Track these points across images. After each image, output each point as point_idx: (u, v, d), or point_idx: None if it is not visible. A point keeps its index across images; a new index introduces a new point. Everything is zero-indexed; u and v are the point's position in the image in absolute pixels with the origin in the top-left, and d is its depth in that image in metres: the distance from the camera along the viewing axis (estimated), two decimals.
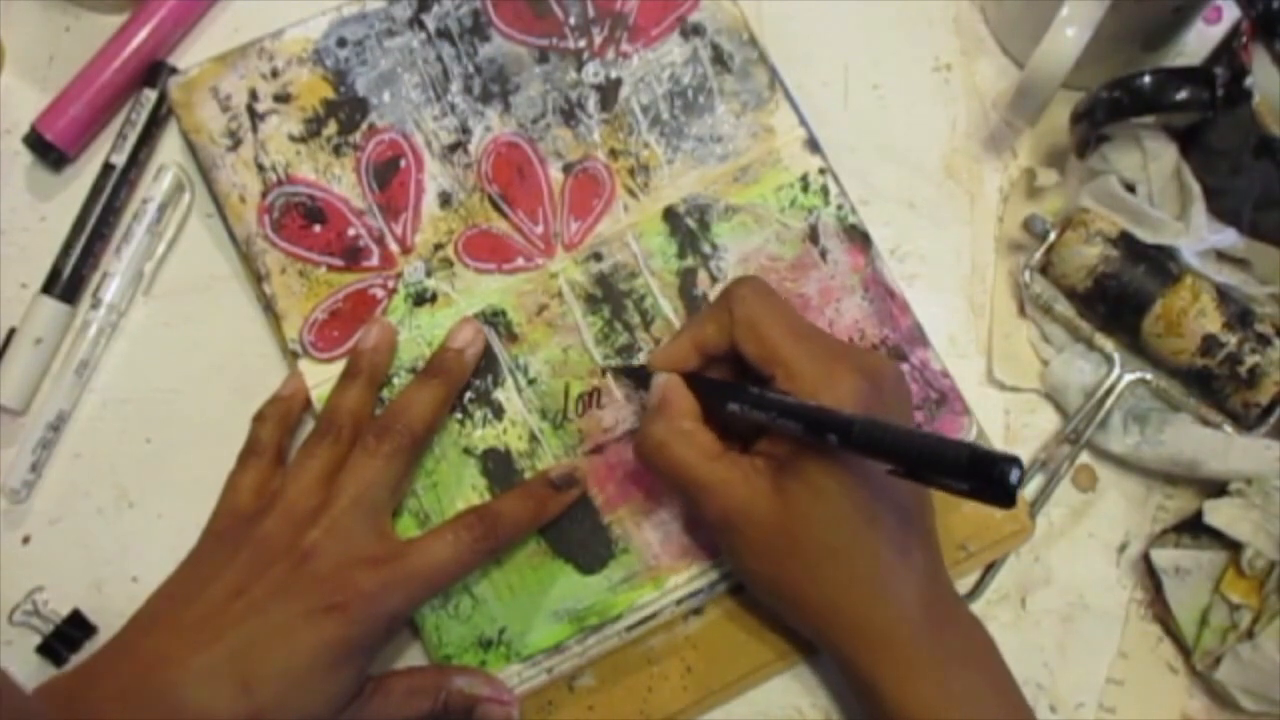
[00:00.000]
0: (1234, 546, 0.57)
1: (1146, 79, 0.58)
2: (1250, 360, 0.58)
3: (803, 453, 0.50)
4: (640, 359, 0.58)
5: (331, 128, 0.60)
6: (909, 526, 0.51)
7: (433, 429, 0.56)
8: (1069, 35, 0.57)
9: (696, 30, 0.63)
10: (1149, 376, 0.60)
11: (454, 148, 0.61)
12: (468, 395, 0.57)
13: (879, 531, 0.50)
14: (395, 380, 0.57)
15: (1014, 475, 0.41)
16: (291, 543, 0.51)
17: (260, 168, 0.60)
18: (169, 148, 0.63)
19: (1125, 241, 0.60)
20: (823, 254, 0.60)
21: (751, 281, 0.54)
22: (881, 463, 0.45)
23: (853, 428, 0.46)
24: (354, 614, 0.49)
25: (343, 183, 0.60)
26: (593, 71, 0.62)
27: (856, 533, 0.49)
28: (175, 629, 0.49)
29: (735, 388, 0.52)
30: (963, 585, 0.59)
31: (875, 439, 0.46)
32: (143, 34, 0.62)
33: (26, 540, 0.58)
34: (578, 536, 0.56)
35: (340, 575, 0.50)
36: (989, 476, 0.42)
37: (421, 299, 0.59)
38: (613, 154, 0.61)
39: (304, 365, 0.58)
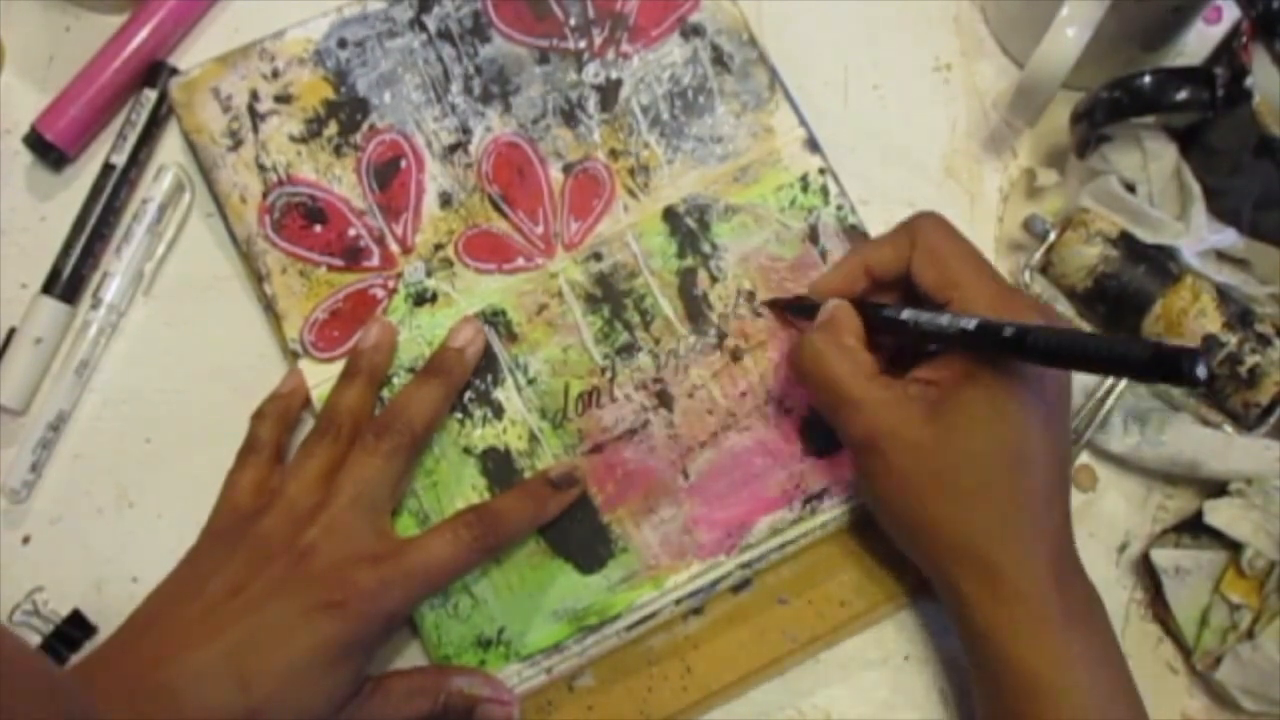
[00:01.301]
0: (1234, 546, 0.57)
1: (1146, 79, 0.58)
2: (1250, 360, 0.58)
3: (964, 382, 0.50)
4: (640, 359, 0.58)
5: (332, 128, 0.60)
6: (1055, 477, 0.50)
7: (432, 428, 0.56)
8: (1069, 35, 0.57)
9: (697, 31, 0.63)
10: None
11: (454, 148, 0.61)
12: (467, 395, 0.57)
13: (1031, 476, 0.49)
14: (395, 380, 0.57)
15: (1201, 371, 0.41)
16: (290, 541, 0.51)
17: (261, 168, 0.60)
18: (169, 148, 0.63)
19: (1125, 242, 0.60)
20: (823, 254, 0.60)
21: (935, 215, 0.55)
22: (1061, 367, 0.46)
23: (1027, 337, 0.46)
24: (352, 611, 0.49)
25: (343, 183, 0.60)
26: (593, 72, 0.62)
27: (1008, 473, 0.49)
28: (174, 627, 0.49)
29: (902, 309, 0.52)
30: None
31: (1055, 345, 0.46)
32: (143, 34, 0.62)
33: (26, 540, 0.58)
34: (577, 536, 0.56)
35: (339, 573, 0.50)
36: (1176, 367, 0.42)
37: (422, 299, 0.59)
38: (613, 154, 0.61)
39: (304, 365, 0.58)
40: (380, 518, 0.53)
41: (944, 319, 0.50)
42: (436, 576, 0.52)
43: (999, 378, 0.49)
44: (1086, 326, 0.61)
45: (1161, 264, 0.60)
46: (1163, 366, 0.42)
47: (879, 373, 0.52)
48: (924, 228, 0.54)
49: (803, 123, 0.62)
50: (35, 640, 0.56)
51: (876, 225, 0.61)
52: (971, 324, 0.49)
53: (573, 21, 0.62)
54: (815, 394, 0.54)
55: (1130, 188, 0.61)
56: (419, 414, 0.55)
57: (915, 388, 0.51)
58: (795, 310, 0.58)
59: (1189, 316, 0.58)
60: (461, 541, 0.52)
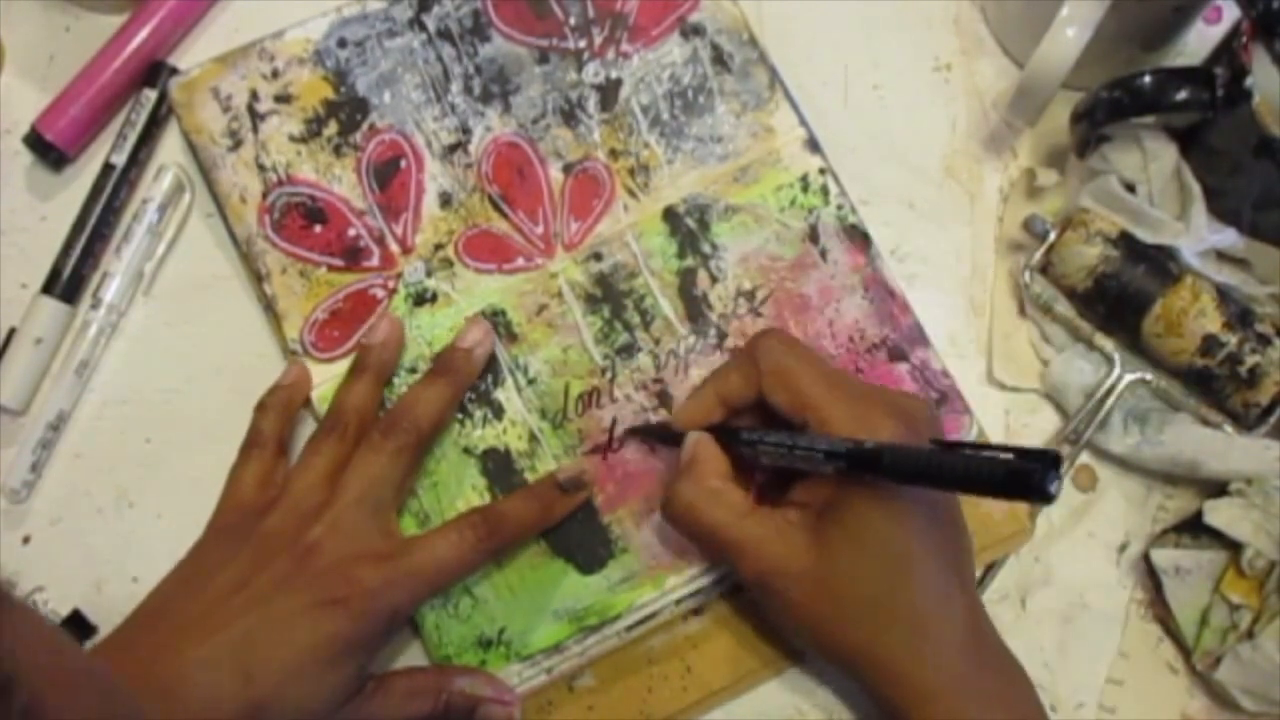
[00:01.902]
0: (1234, 546, 0.57)
1: (1147, 79, 0.58)
2: (1250, 360, 0.58)
3: (838, 501, 0.50)
4: (640, 359, 0.58)
5: (332, 128, 0.60)
6: (949, 569, 0.50)
7: (439, 427, 0.56)
8: (1069, 35, 0.57)
9: (697, 30, 0.63)
10: (1149, 377, 0.60)
11: (454, 148, 0.61)
12: (468, 395, 0.57)
13: (920, 579, 0.49)
14: (395, 380, 0.57)
15: (1052, 485, 0.42)
16: (295, 538, 0.51)
17: (261, 168, 0.60)
18: (169, 148, 0.63)
19: (1125, 241, 0.60)
20: (823, 254, 0.60)
21: (776, 333, 0.54)
22: (918, 486, 0.46)
23: (883, 456, 0.46)
24: (355, 609, 0.49)
25: (343, 183, 0.60)
26: (593, 72, 0.62)
27: (897, 581, 0.49)
28: (178, 621, 0.49)
29: (762, 433, 0.52)
30: None
31: (907, 463, 0.46)
32: (143, 34, 0.62)
33: (27, 540, 0.58)
34: (577, 536, 0.56)
35: (343, 570, 0.50)
36: (1028, 486, 0.42)
37: (422, 299, 0.59)
38: (613, 154, 0.61)
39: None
40: (385, 516, 0.53)
41: (803, 444, 0.49)
42: (440, 576, 0.52)
43: (870, 490, 0.49)
44: (1086, 327, 0.61)
45: (1161, 264, 0.60)
46: (1016, 484, 0.42)
47: (753, 508, 0.52)
48: (765, 349, 0.53)
49: (803, 122, 0.62)
50: None
51: (876, 225, 0.61)
52: (828, 452, 0.48)
53: (573, 21, 0.62)
54: (696, 542, 0.54)
55: (1130, 188, 0.61)
56: (425, 413, 0.55)
57: (793, 513, 0.51)
58: (660, 438, 0.57)
59: (1189, 316, 0.58)
60: (466, 542, 0.52)
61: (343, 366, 0.57)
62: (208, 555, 0.53)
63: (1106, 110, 0.59)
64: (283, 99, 0.60)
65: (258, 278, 0.59)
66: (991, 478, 0.43)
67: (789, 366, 0.52)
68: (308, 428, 0.58)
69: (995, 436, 0.60)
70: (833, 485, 0.50)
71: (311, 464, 0.53)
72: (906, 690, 0.49)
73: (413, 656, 0.56)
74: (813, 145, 0.61)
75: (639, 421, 0.57)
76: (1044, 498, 0.42)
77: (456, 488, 0.56)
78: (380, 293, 0.59)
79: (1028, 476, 0.42)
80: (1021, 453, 0.43)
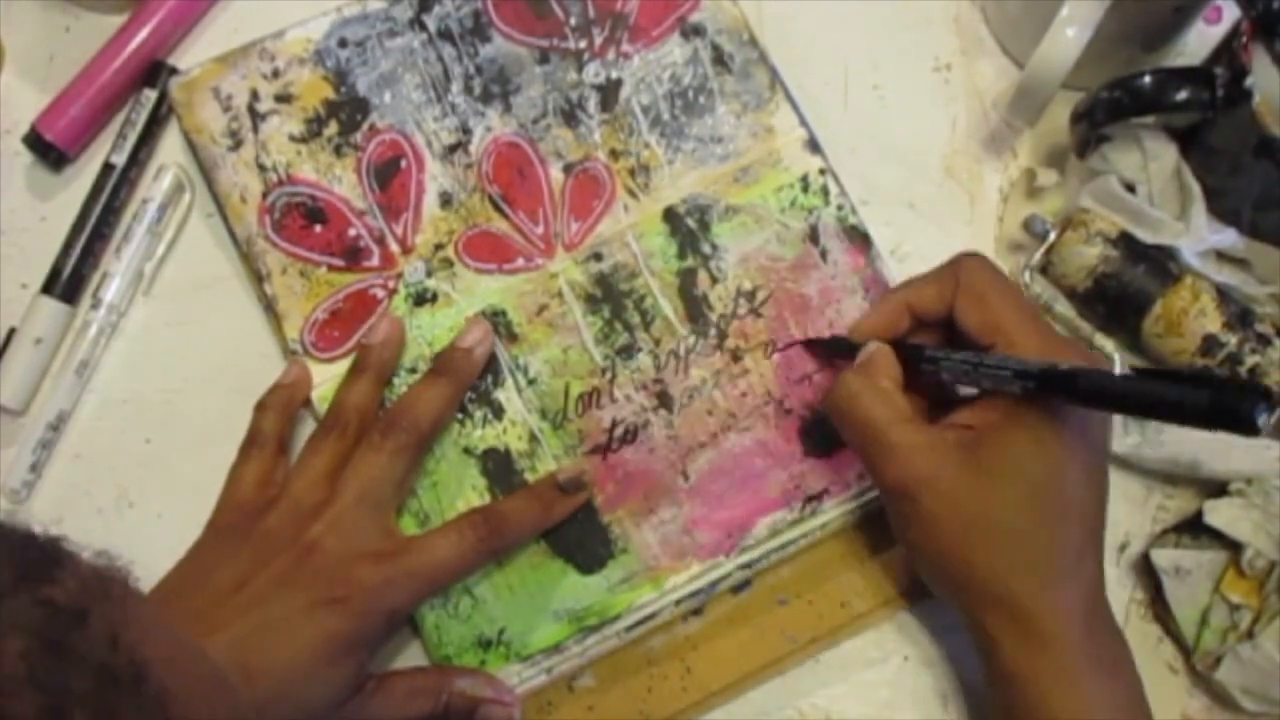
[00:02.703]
0: (1234, 547, 0.57)
1: (1147, 79, 0.58)
2: (1250, 360, 0.58)
3: (1003, 427, 0.49)
4: (640, 359, 0.58)
5: (332, 128, 0.60)
6: (1090, 526, 0.50)
7: (439, 427, 0.56)
8: (1069, 35, 0.57)
9: (697, 31, 0.63)
10: None
11: (454, 148, 0.61)
12: (468, 395, 0.57)
13: (1067, 526, 0.49)
14: (395, 380, 0.57)
15: (1261, 417, 0.40)
16: (294, 537, 0.51)
17: (261, 168, 0.60)
18: (169, 148, 0.63)
19: (1125, 242, 0.60)
20: (823, 254, 0.60)
21: (980, 256, 0.54)
22: (1112, 411, 0.46)
23: (1077, 380, 0.46)
24: (355, 608, 0.49)
25: (343, 183, 0.60)
26: (593, 72, 0.62)
27: (1044, 521, 0.49)
28: (178, 619, 0.49)
29: (945, 351, 0.52)
30: None
31: (1105, 388, 0.45)
32: (143, 34, 0.62)
33: None
34: (577, 536, 0.56)
35: (342, 569, 0.50)
36: (1235, 416, 0.41)
37: (422, 299, 0.59)
38: (613, 154, 0.61)
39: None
40: (385, 515, 0.53)
41: (990, 362, 0.49)
42: (440, 575, 0.52)
43: (1039, 423, 0.49)
44: (1086, 327, 0.61)
45: (1161, 264, 0.60)
46: (1222, 413, 0.41)
47: (915, 417, 0.52)
48: (968, 268, 0.53)
49: (803, 123, 0.62)
50: None
51: (876, 225, 0.61)
52: (1018, 371, 0.48)
53: (573, 21, 0.62)
54: (849, 435, 0.53)
55: (1130, 188, 0.61)
56: (425, 413, 0.55)
57: (952, 433, 0.51)
58: (834, 349, 0.57)
59: (1189, 316, 0.58)
60: (466, 541, 0.52)
61: (343, 366, 0.57)
62: (207, 554, 0.53)
63: (1106, 110, 0.59)
64: (283, 99, 0.60)
65: (258, 278, 0.59)
66: (1196, 406, 0.42)
67: (989, 288, 0.52)
68: (307, 427, 0.58)
69: None
70: (998, 413, 0.50)
71: (311, 463, 0.54)
72: (1024, 630, 0.49)
73: (413, 656, 0.56)
74: (813, 145, 0.61)
75: (638, 423, 0.57)
76: (1250, 429, 0.40)
77: (456, 488, 0.56)
78: (380, 293, 0.59)
79: (1235, 406, 0.41)
80: (1224, 383, 0.42)
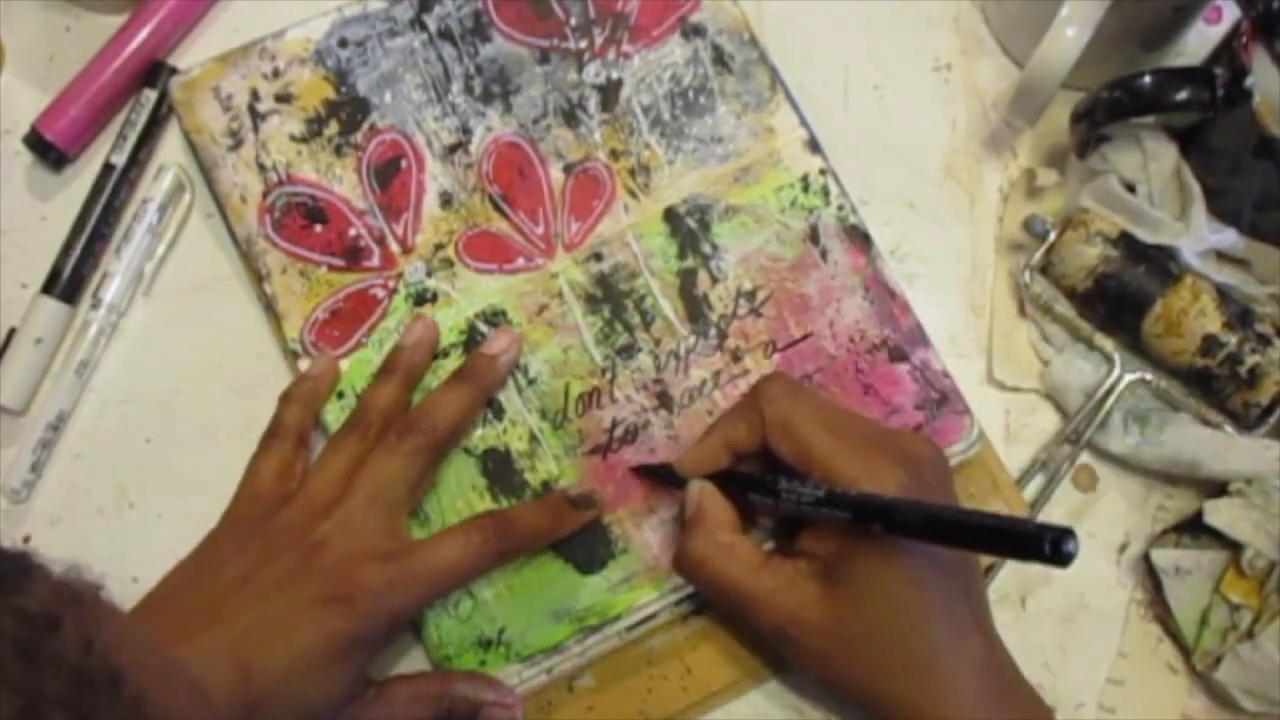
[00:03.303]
0: (1234, 547, 0.57)
1: (1147, 79, 0.58)
2: (1250, 360, 0.58)
3: (847, 548, 0.50)
4: (640, 359, 0.58)
5: (333, 128, 0.60)
6: (962, 606, 0.50)
7: (457, 432, 0.56)
8: (1069, 35, 0.57)
9: (697, 31, 0.63)
10: (1149, 377, 0.60)
11: (455, 148, 0.61)
12: None
13: (933, 620, 0.49)
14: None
15: (1069, 548, 0.42)
16: (303, 534, 0.51)
17: (261, 167, 0.60)
18: (169, 148, 0.63)
19: (1125, 242, 0.60)
20: (823, 254, 0.60)
21: (780, 379, 0.54)
22: (930, 543, 0.46)
23: (897, 510, 0.46)
24: (358, 608, 0.49)
25: (344, 183, 0.60)
26: (594, 72, 0.62)
27: (910, 626, 0.49)
28: (183, 610, 0.50)
29: (770, 480, 0.52)
30: None
31: (921, 519, 0.46)
32: (143, 34, 0.62)
33: (27, 540, 0.58)
34: (577, 536, 0.56)
35: (347, 569, 0.50)
36: (1042, 553, 0.42)
37: (422, 299, 0.59)
38: (613, 154, 0.61)
39: (305, 366, 0.58)
40: (395, 517, 0.53)
41: (808, 499, 0.49)
42: (445, 579, 0.52)
43: (876, 540, 0.49)
44: (1086, 327, 0.61)
45: (1162, 264, 0.60)
46: (1029, 546, 0.42)
47: (765, 559, 0.52)
48: (769, 398, 0.53)
49: (803, 123, 0.62)
50: None
51: (876, 225, 0.61)
52: (843, 516, 0.48)
53: (574, 21, 0.62)
54: (710, 595, 0.54)
55: (1130, 188, 0.61)
56: (445, 416, 0.54)
57: (804, 563, 0.51)
58: (664, 480, 0.56)
59: (1189, 316, 0.58)
60: (473, 545, 0.52)
61: (343, 367, 0.57)
62: (219, 546, 0.53)
63: (1106, 110, 0.59)
64: (283, 98, 0.60)
65: (258, 277, 0.59)
66: (1009, 536, 0.44)
67: (793, 416, 0.52)
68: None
69: (995, 437, 0.60)
70: (837, 539, 0.50)
71: (330, 461, 0.54)
72: None
73: (413, 656, 0.56)
74: (813, 145, 0.61)
75: (638, 423, 0.57)
76: (1060, 560, 0.42)
77: (456, 488, 0.56)
78: (381, 293, 0.59)
79: (1042, 538, 0.42)
80: (1027, 525, 0.44)
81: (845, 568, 0.50)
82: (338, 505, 0.52)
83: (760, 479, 0.53)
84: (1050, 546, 0.42)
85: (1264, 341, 0.58)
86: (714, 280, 0.59)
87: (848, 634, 0.50)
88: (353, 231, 0.59)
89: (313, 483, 0.53)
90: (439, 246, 0.59)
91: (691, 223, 0.60)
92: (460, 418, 0.55)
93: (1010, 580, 0.59)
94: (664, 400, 0.58)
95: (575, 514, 0.55)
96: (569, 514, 0.55)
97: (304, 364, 0.58)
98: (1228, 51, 0.58)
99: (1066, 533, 0.42)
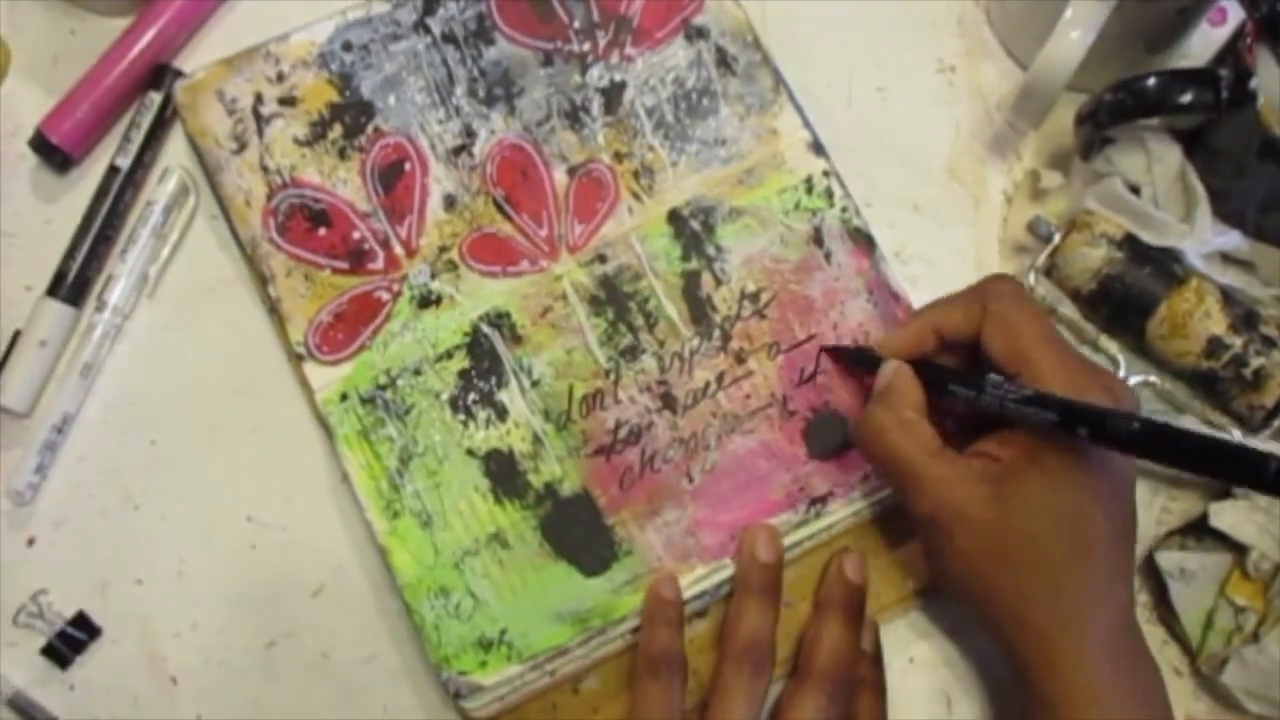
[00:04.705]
0: (1239, 549, 0.57)
1: (1151, 81, 0.58)
2: (1255, 362, 0.58)
3: (1028, 461, 0.49)
4: (644, 361, 0.58)
5: (337, 131, 0.60)
6: (1118, 557, 0.50)
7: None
8: (1073, 37, 0.57)
9: (701, 33, 0.63)
10: (1154, 379, 0.60)
11: (459, 150, 0.61)
12: (471, 397, 0.57)
13: (1094, 557, 0.49)
14: (399, 381, 0.57)
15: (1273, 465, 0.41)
16: None
17: (265, 170, 0.60)
18: (173, 150, 0.63)
19: (1130, 244, 0.60)
20: (827, 256, 0.60)
21: (1010, 280, 0.54)
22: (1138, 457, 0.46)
23: (1110, 419, 0.46)
24: None
25: (348, 186, 0.60)
26: (597, 74, 0.62)
27: (1072, 553, 0.49)
28: None
29: (969, 375, 0.52)
30: None
31: (1135, 432, 0.46)
32: (147, 37, 0.62)
33: (31, 542, 0.58)
34: (580, 538, 0.56)
35: None
36: (1263, 478, 0.42)
37: (426, 301, 0.59)
38: (617, 157, 0.61)
39: (309, 368, 0.58)
40: None
41: (1014, 395, 0.49)
42: None
43: (1062, 459, 0.49)
44: (1090, 329, 0.61)
45: (1166, 266, 0.60)
46: (1250, 468, 0.42)
47: (942, 448, 0.52)
48: (997, 294, 0.53)
49: (807, 125, 0.62)
50: (39, 642, 0.56)
51: (880, 227, 0.61)
52: (1048, 400, 0.48)
53: (577, 24, 0.62)
54: (879, 467, 0.54)
55: (1135, 190, 0.61)
56: (769, 636, 0.54)
57: (979, 463, 0.51)
58: (855, 361, 0.57)
59: (1194, 318, 0.58)
60: None
61: (347, 369, 0.57)
62: None
63: (1111, 112, 0.59)
64: (287, 102, 0.60)
65: (262, 280, 0.59)
66: (1231, 456, 0.43)
67: (1016, 316, 0.52)
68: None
69: None
70: (1024, 445, 0.50)
71: (734, 698, 0.52)
72: (1054, 658, 0.49)
73: (414, 655, 0.56)
74: (817, 148, 0.61)
75: (642, 425, 0.57)
76: (1272, 487, 0.42)
77: (459, 489, 0.56)
78: (385, 295, 0.59)
79: (1266, 463, 0.42)
80: (1242, 448, 0.44)
81: (1023, 479, 0.49)
82: None
83: (964, 371, 0.52)
84: (1275, 473, 0.41)
85: (1269, 343, 0.58)
86: (718, 282, 0.59)
87: (1008, 541, 0.49)
88: (357, 234, 0.59)
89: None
90: (443, 249, 0.59)
91: (695, 225, 0.60)
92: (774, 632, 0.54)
93: None
94: (668, 401, 0.58)
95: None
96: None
97: (308, 367, 0.57)
98: (1232, 53, 0.58)
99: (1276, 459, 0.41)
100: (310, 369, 0.58)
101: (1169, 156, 0.60)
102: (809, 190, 0.61)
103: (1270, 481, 0.42)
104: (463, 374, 0.58)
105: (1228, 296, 0.59)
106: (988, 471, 0.50)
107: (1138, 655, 0.50)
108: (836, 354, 0.58)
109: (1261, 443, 0.56)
